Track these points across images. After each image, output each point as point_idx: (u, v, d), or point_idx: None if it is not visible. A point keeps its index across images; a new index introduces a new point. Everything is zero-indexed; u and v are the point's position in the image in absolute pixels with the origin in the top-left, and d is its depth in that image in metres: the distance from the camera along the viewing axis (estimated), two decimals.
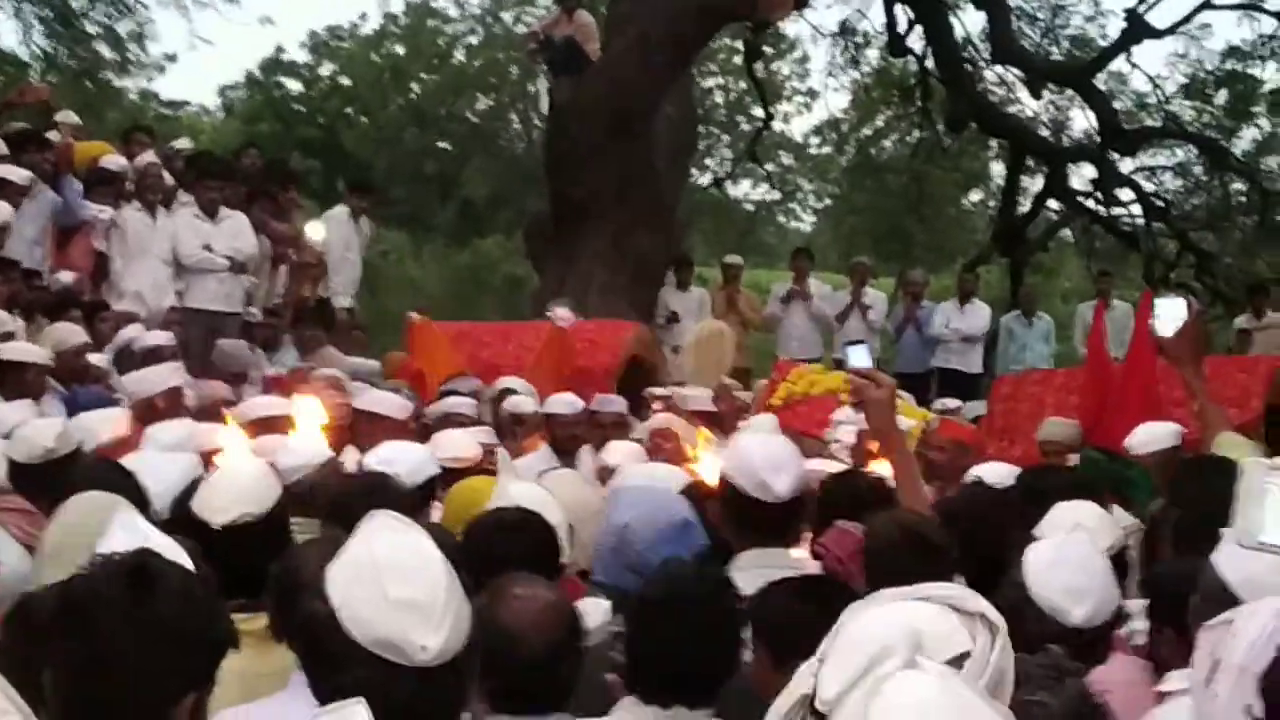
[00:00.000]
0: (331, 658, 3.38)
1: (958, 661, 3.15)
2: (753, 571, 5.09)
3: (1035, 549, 4.78)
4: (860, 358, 6.25)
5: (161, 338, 12.86)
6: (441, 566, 3.47)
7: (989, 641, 3.19)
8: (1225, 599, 4.25)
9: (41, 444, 7.30)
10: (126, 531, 3.96)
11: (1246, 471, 2.25)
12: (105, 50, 33.91)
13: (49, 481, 6.66)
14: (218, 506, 5.11)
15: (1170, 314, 7.04)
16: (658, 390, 13.71)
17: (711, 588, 4.65)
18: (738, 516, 5.64)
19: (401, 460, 7.15)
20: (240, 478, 5.36)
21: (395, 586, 3.37)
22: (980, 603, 3.26)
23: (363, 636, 3.33)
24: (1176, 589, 4.01)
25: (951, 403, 15.13)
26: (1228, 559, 4.34)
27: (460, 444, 9.11)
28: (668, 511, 5.65)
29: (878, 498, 6.19)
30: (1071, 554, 4.83)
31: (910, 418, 11.96)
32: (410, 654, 3.31)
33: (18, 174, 13.91)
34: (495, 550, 5.04)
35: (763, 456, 5.64)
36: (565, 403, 11.97)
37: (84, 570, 3.56)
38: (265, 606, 4.68)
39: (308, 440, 7.76)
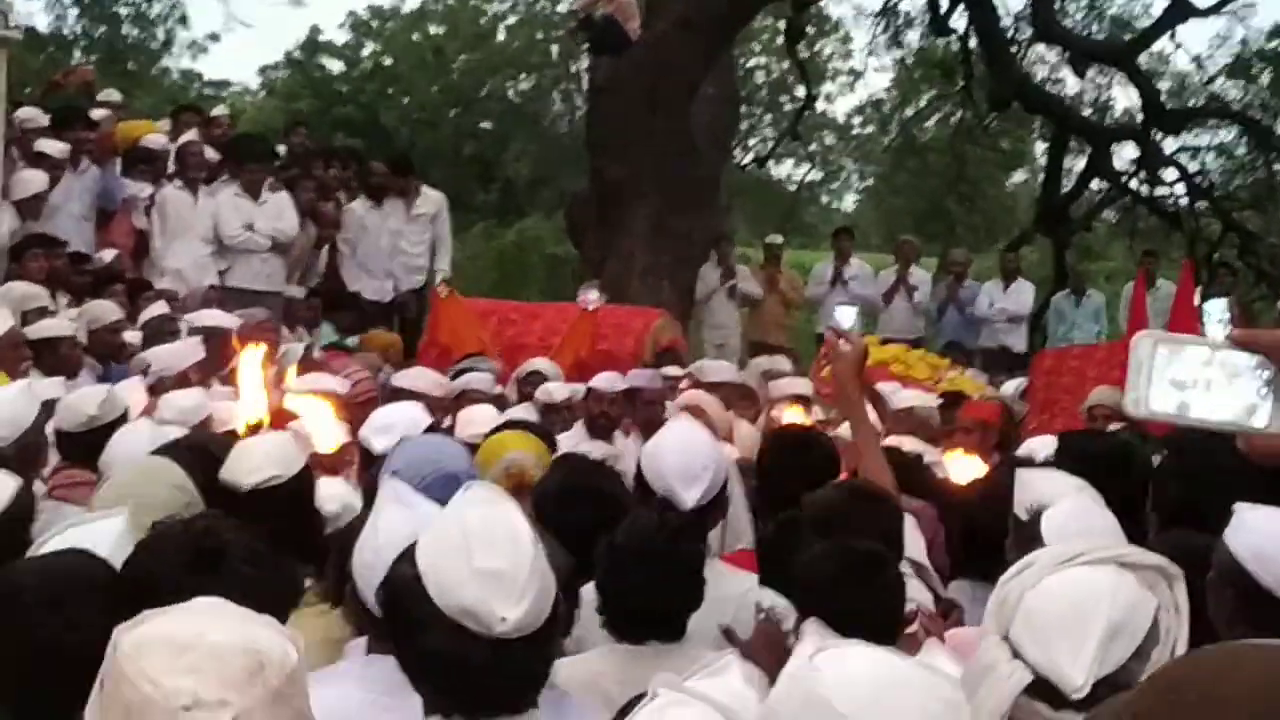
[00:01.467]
0: (413, 622, 3.45)
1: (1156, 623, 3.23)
2: None
3: (1050, 519, 4.73)
4: (845, 317, 6.46)
5: (223, 319, 12.81)
6: (529, 540, 3.52)
7: (1169, 592, 3.29)
8: (1235, 575, 4.30)
9: (85, 411, 7.33)
10: (397, 504, 4.07)
11: (1136, 345, 2.26)
12: (134, 31, 34.07)
13: (93, 448, 6.80)
14: (246, 469, 5.13)
15: (1218, 316, 7.04)
16: (678, 370, 13.68)
17: (673, 534, 4.96)
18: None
19: (398, 422, 7.28)
20: (266, 443, 5.39)
21: (481, 557, 3.42)
22: (1147, 555, 3.40)
23: (445, 603, 3.38)
24: None
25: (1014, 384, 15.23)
26: (1237, 534, 4.39)
27: (485, 419, 9.18)
28: (437, 463, 5.66)
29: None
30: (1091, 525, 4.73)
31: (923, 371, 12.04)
32: (489, 624, 3.35)
33: (55, 148, 14.01)
34: None
35: (676, 465, 5.73)
36: (607, 380, 11.71)
37: (146, 542, 3.63)
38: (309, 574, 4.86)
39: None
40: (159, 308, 12.63)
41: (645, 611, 4.85)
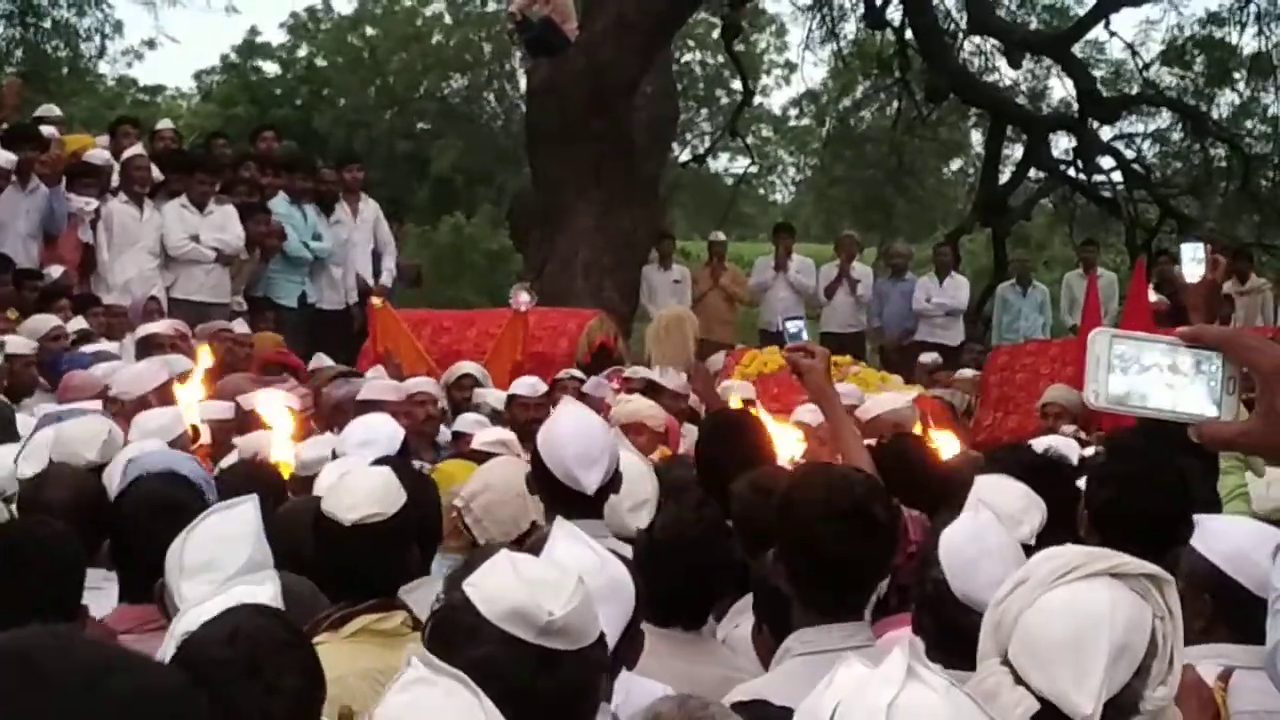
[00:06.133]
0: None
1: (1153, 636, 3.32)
2: None
3: (948, 533, 4.71)
4: (797, 330, 6.58)
5: (158, 327, 12.82)
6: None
7: (1161, 599, 3.33)
8: (1212, 581, 4.36)
9: (84, 454, 7.07)
10: (569, 540, 4.13)
11: (1094, 339, 2.43)
12: (60, 44, 33.88)
13: None
14: (348, 504, 5.13)
15: (1193, 258, 7.13)
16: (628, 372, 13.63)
17: (710, 528, 5.30)
18: (550, 494, 5.91)
19: (375, 436, 7.24)
20: (370, 480, 5.37)
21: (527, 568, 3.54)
22: (1140, 564, 3.41)
23: (491, 611, 3.39)
24: None
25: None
26: (1209, 543, 4.45)
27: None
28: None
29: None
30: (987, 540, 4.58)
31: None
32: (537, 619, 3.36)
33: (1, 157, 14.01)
34: None
35: (575, 451, 5.87)
36: (528, 385, 11.73)
37: None
38: (399, 605, 4.92)
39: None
40: (78, 323, 12.60)
41: (674, 598, 5.04)
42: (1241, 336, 2.53)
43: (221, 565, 4.49)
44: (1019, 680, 3.30)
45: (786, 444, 7.64)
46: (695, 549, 5.15)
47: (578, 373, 12.82)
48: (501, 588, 3.40)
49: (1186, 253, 7.37)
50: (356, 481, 5.29)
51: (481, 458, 8.06)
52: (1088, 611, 3.29)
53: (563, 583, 3.44)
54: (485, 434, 9.37)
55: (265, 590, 4.07)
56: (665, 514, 5.41)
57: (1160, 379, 2.46)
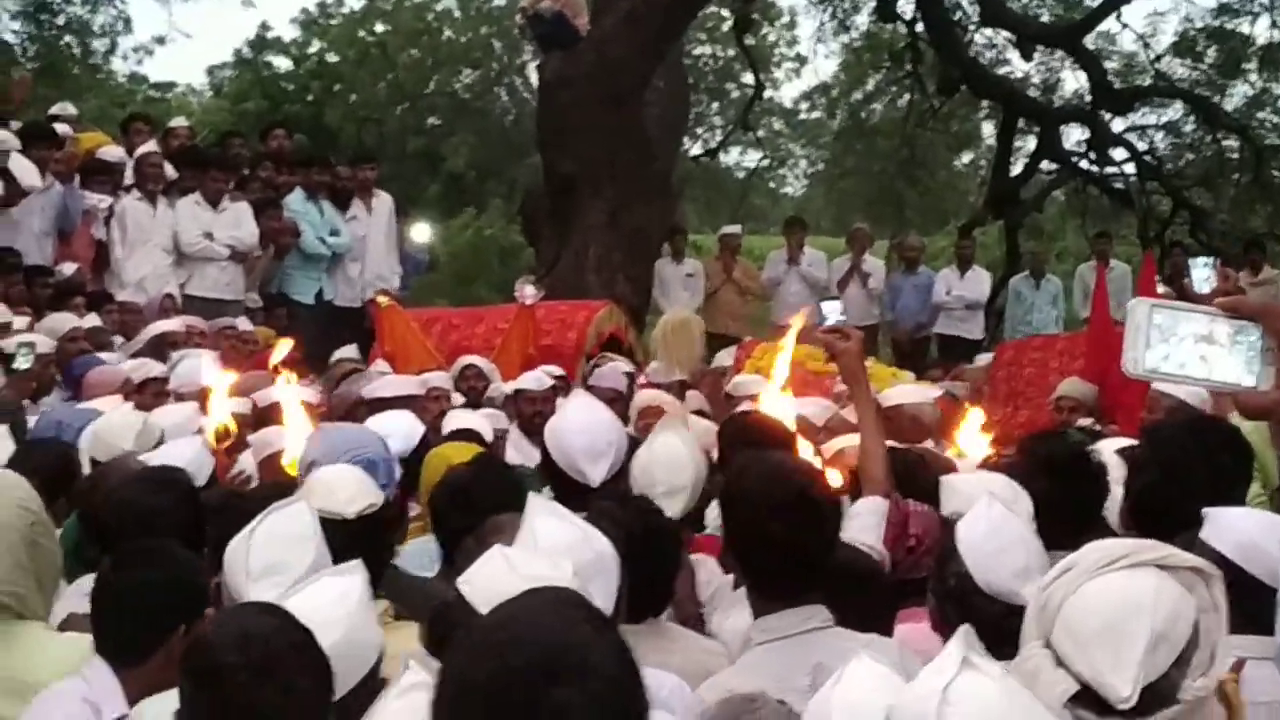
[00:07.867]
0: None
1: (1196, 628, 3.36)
2: None
3: (965, 527, 4.71)
4: (833, 312, 6.50)
5: (171, 324, 12.88)
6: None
7: (1207, 593, 3.36)
8: (1225, 570, 4.36)
9: (119, 445, 7.12)
10: (548, 516, 4.19)
11: (1134, 310, 2.50)
12: (75, 41, 33.93)
13: None
14: (344, 499, 5.14)
15: (1201, 275, 7.18)
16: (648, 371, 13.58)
17: (656, 524, 5.24)
18: (557, 486, 6.02)
19: (392, 431, 7.21)
20: (349, 473, 5.38)
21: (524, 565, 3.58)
22: (1187, 557, 3.48)
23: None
24: None
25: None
26: (1218, 534, 4.46)
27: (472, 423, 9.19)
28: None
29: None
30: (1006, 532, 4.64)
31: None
32: None
33: (27, 170, 14.01)
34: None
35: (582, 444, 5.98)
36: (533, 379, 11.63)
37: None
38: (380, 595, 4.87)
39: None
40: (93, 320, 12.62)
41: (635, 594, 4.91)
42: (1279, 307, 2.58)
43: (288, 567, 4.48)
44: (1060, 663, 3.36)
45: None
46: (652, 539, 5.08)
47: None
48: (495, 584, 3.41)
49: (1196, 266, 7.42)
50: (337, 478, 5.30)
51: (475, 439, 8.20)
52: (1130, 599, 3.36)
53: (557, 579, 3.44)
54: (456, 417, 9.39)
55: (355, 580, 4.08)
56: (597, 512, 5.19)
57: (1197, 349, 2.53)
